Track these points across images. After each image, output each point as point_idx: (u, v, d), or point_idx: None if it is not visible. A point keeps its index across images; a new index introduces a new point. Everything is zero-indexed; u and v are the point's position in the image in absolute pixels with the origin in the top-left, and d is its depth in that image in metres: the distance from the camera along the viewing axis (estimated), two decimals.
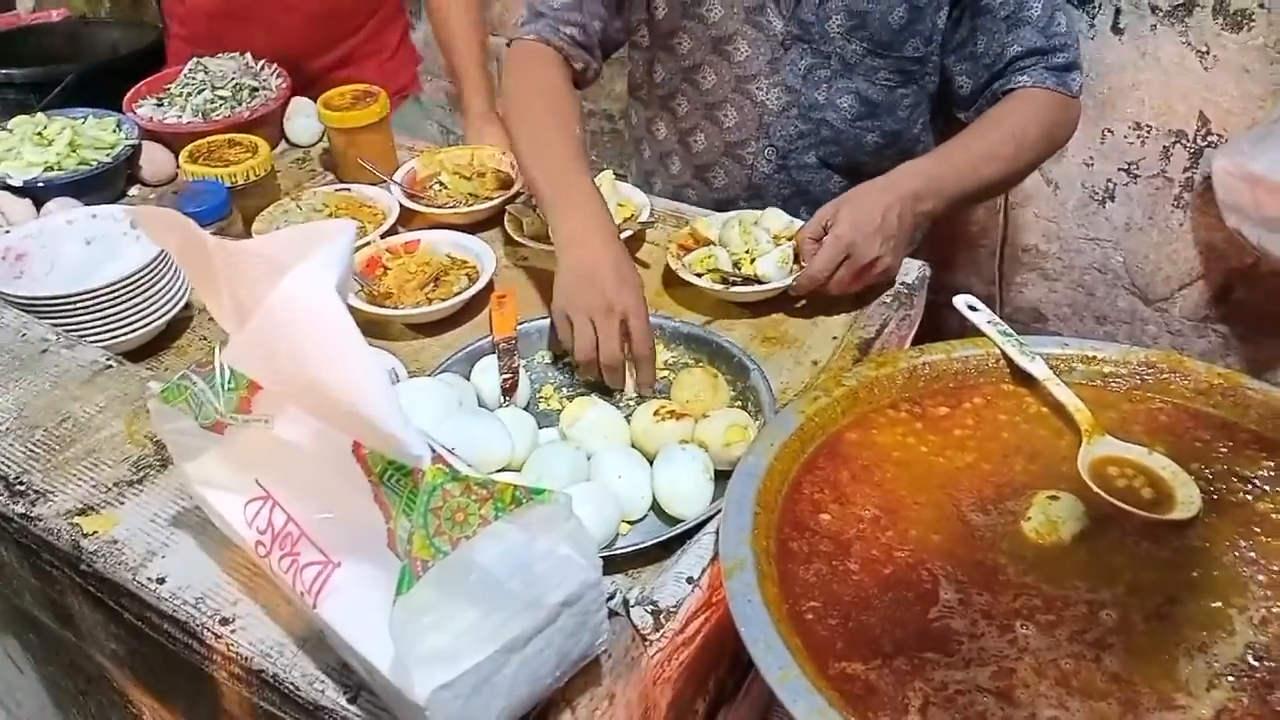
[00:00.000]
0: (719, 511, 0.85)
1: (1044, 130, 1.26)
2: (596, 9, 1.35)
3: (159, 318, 1.14)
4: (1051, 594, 0.74)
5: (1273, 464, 0.84)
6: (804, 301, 1.17)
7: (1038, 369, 0.93)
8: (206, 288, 0.58)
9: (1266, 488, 0.82)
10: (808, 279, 1.11)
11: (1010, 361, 0.95)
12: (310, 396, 0.51)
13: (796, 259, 1.16)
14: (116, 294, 1.10)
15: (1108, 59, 1.49)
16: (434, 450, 0.55)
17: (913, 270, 1.19)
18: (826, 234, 1.11)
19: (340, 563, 0.60)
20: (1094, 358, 0.95)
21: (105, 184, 1.43)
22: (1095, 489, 0.82)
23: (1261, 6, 1.35)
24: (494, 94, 1.66)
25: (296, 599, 0.62)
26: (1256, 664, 0.68)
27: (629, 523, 0.92)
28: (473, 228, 1.33)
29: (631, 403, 1.05)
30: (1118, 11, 1.46)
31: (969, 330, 0.97)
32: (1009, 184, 1.28)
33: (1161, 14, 1.43)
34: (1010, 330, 0.97)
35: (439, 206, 1.36)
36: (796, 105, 1.36)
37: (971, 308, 1.00)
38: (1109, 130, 1.55)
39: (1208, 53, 1.42)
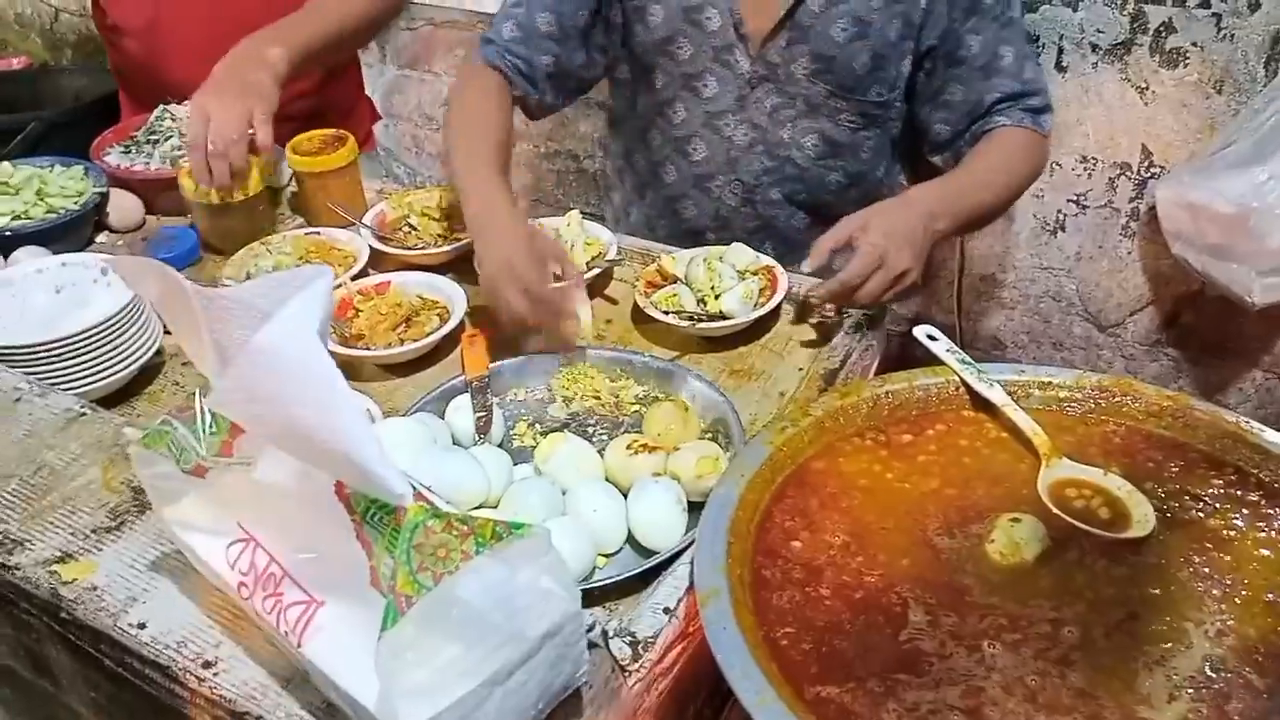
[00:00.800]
0: (693, 543, 0.87)
1: (1025, 164, 1.34)
2: (548, 46, 1.40)
3: (131, 364, 1.14)
4: (1016, 613, 0.76)
5: (1221, 482, 0.87)
6: (770, 335, 1.19)
7: (996, 395, 0.96)
8: (186, 334, 0.60)
9: (1216, 505, 0.85)
10: (840, 285, 1.13)
11: (970, 389, 0.98)
12: (293, 438, 0.52)
13: (760, 293, 1.19)
14: (87, 342, 1.10)
15: (1052, 95, 1.55)
16: (414, 488, 0.56)
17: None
18: (852, 244, 1.14)
19: (324, 602, 0.61)
20: (1049, 383, 0.98)
21: (73, 232, 1.43)
22: (1055, 510, 0.85)
23: (1195, 45, 1.42)
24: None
25: (280, 639, 0.62)
26: (1214, 675, 0.71)
27: (605, 555, 0.93)
28: (443, 268, 1.34)
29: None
30: (1060, 51, 1.53)
31: (929, 360, 1.01)
32: (1000, 211, 1.35)
33: (1102, 52, 1.50)
34: (968, 359, 1.00)
35: (409, 248, 1.38)
36: (763, 142, 1.41)
37: (931, 337, 1.03)
38: (1057, 164, 1.61)
39: (1147, 89, 1.49)
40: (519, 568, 0.57)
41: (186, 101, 1.65)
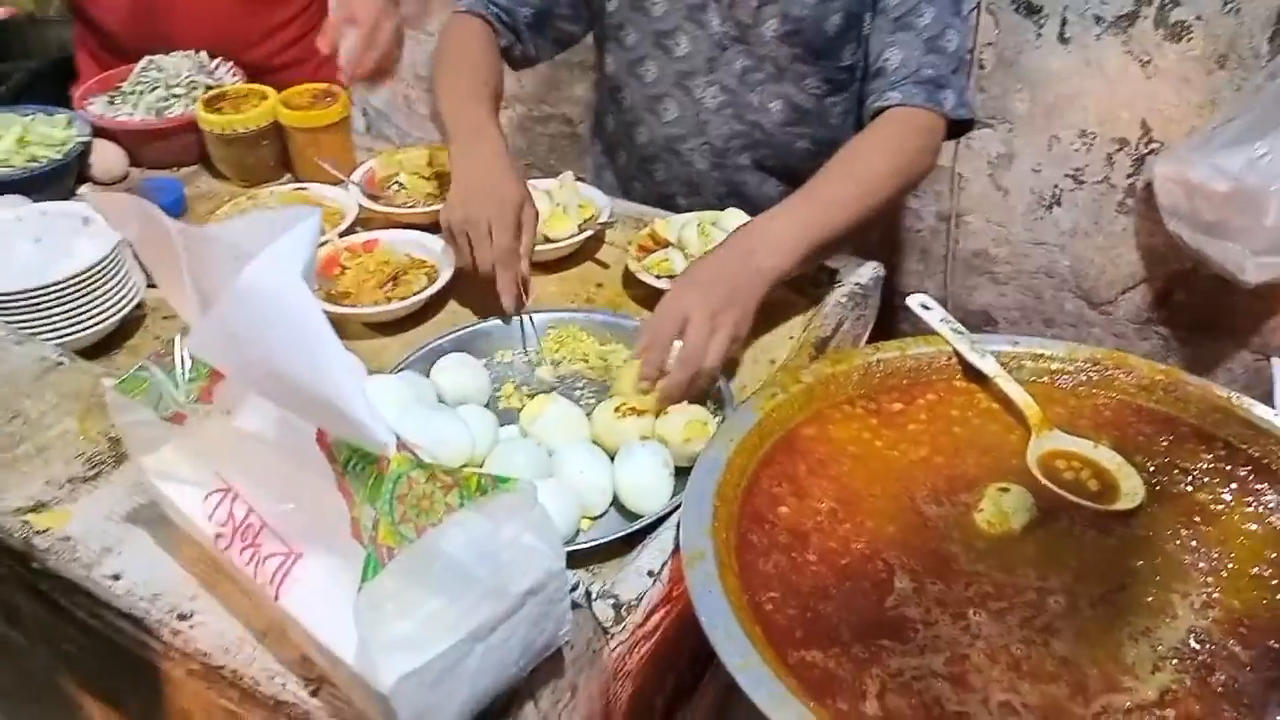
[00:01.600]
0: (679, 507, 0.86)
1: (898, 165, 1.19)
2: None
3: (112, 315, 1.12)
4: (1002, 581, 0.76)
5: (1211, 456, 0.86)
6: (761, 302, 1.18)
7: (988, 366, 0.95)
8: (167, 276, 0.58)
9: (1205, 479, 0.84)
10: (681, 378, 0.99)
11: (962, 359, 0.97)
12: (275, 384, 0.51)
13: None
14: (68, 291, 1.08)
15: (1054, 67, 1.54)
16: (398, 439, 0.55)
17: (867, 271, 1.21)
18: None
19: (302, 553, 0.60)
20: (1042, 355, 0.97)
21: (55, 181, 1.41)
22: (1044, 481, 0.84)
23: (1199, 19, 1.40)
24: None
25: (257, 591, 0.61)
26: (1198, 647, 0.71)
27: (590, 518, 0.93)
28: (432, 228, 1.33)
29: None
30: (1064, 22, 1.51)
31: (922, 331, 1.00)
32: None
33: (1106, 24, 1.48)
34: (962, 328, 0.99)
35: (398, 206, 1.36)
36: (732, 105, 1.39)
37: (925, 306, 1.02)
38: (1055, 138, 1.60)
39: (1149, 62, 1.47)
40: (503, 522, 0.56)
41: (177, 53, 1.62)
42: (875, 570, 0.77)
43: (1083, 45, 1.51)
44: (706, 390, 1.01)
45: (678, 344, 1.00)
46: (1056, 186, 1.64)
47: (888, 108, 1.22)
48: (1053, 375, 0.97)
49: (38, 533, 0.75)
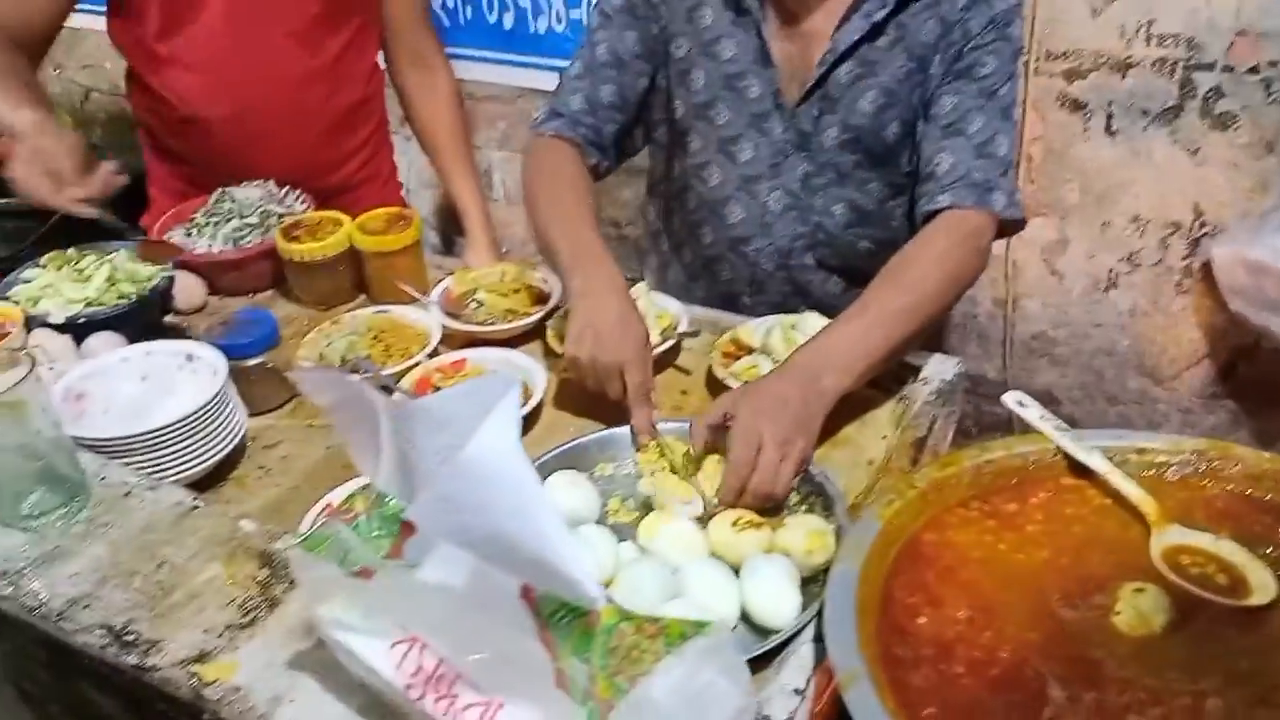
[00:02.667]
0: (811, 620, 0.88)
1: (950, 272, 1.21)
2: (611, 115, 1.45)
3: (221, 450, 1.15)
4: (1155, 687, 0.76)
5: None
6: (850, 401, 1.19)
7: (1097, 462, 0.97)
8: (360, 442, 0.61)
9: None
10: (734, 480, 1.02)
11: (1067, 455, 0.99)
12: (495, 546, 0.53)
13: None
14: (179, 431, 1.11)
15: (1103, 157, 1.59)
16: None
17: (950, 367, 1.24)
18: (726, 422, 1.07)
19: (503, 703, 0.61)
20: (1146, 448, 0.99)
21: (142, 316, 1.44)
22: (1174, 579, 0.85)
23: (1244, 109, 1.45)
24: (488, 216, 1.83)
25: None
26: None
27: None
28: (511, 344, 1.36)
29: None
30: (1109, 116, 1.56)
31: (984, 418, 1.01)
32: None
33: (1151, 117, 1.53)
34: (1064, 425, 1.01)
35: (479, 324, 1.40)
36: (796, 208, 1.43)
37: (1021, 404, 1.05)
38: (1108, 224, 1.64)
39: (1198, 150, 1.52)
40: (701, 666, 0.58)
41: (247, 183, 1.68)
42: (1027, 680, 0.78)
43: (1129, 137, 1.56)
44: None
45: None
46: (1112, 270, 1.68)
47: (939, 210, 1.25)
48: (1159, 468, 0.98)
49: (206, 684, 0.76)
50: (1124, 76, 1.54)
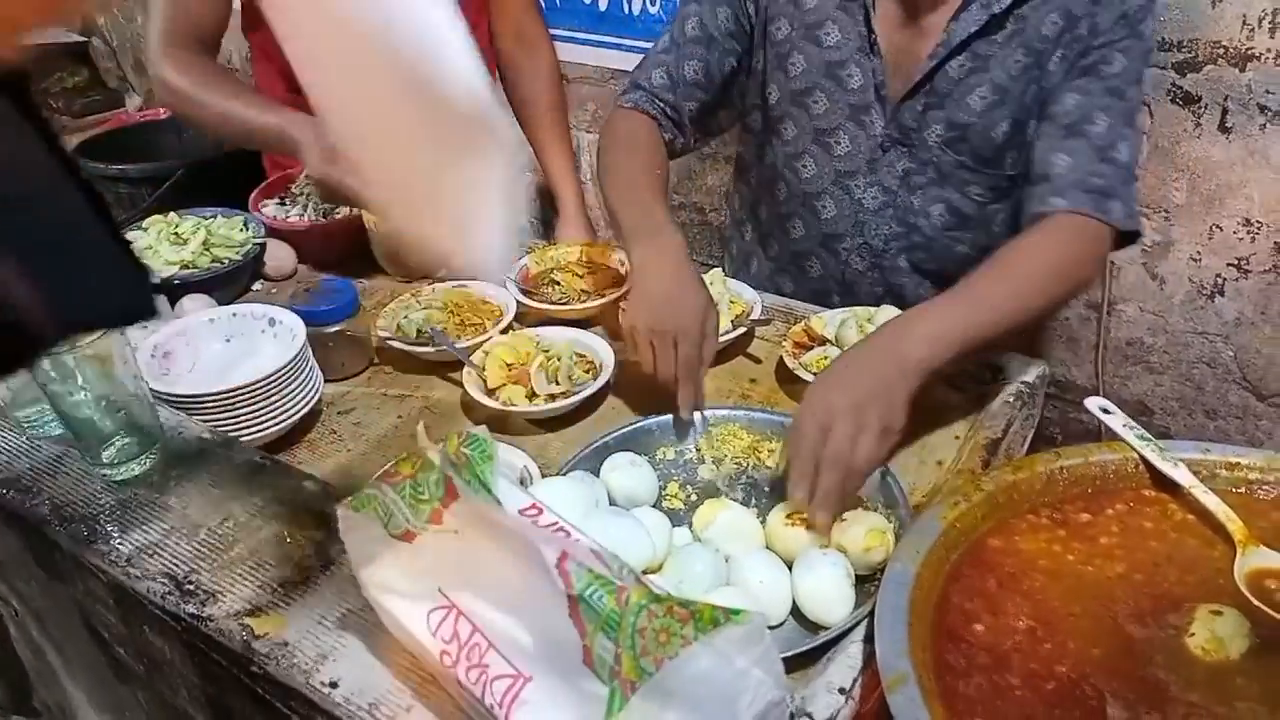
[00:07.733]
0: (862, 619, 0.85)
1: (1058, 270, 1.13)
2: (692, 92, 1.43)
3: (298, 412, 1.18)
4: (1223, 716, 0.72)
5: None
6: (923, 399, 1.16)
7: (1182, 476, 0.92)
8: None
9: None
10: (800, 490, 0.95)
11: (1150, 467, 0.94)
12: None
13: None
14: (259, 392, 1.14)
15: (1214, 156, 1.50)
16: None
17: (1034, 370, 1.19)
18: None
19: (531, 677, 0.61)
20: (1238, 464, 0.94)
21: (234, 280, 1.50)
22: (1258, 604, 0.80)
23: None
24: (582, 195, 1.83)
25: (484, 711, 0.63)
26: None
27: (769, 628, 0.92)
28: (586, 323, 1.36)
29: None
30: (1224, 112, 1.47)
31: (1069, 425, 0.96)
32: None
33: (1272, 113, 1.44)
34: (1148, 434, 0.96)
35: (554, 303, 1.40)
36: (892, 206, 1.38)
37: (1105, 410, 1.00)
38: (1217, 226, 1.55)
39: None
40: (734, 656, 0.57)
41: None
42: (1085, 697, 0.74)
43: (1246, 134, 1.47)
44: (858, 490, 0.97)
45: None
46: (1219, 276, 1.58)
47: (1051, 213, 1.16)
48: (1250, 486, 0.93)
49: (256, 637, 0.78)
50: (1243, 70, 1.44)
